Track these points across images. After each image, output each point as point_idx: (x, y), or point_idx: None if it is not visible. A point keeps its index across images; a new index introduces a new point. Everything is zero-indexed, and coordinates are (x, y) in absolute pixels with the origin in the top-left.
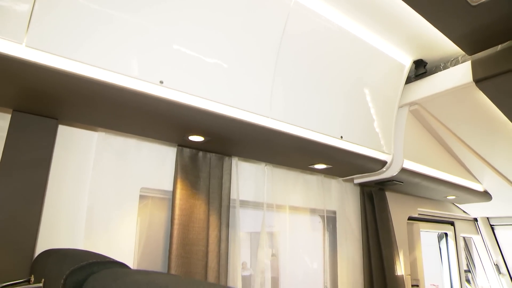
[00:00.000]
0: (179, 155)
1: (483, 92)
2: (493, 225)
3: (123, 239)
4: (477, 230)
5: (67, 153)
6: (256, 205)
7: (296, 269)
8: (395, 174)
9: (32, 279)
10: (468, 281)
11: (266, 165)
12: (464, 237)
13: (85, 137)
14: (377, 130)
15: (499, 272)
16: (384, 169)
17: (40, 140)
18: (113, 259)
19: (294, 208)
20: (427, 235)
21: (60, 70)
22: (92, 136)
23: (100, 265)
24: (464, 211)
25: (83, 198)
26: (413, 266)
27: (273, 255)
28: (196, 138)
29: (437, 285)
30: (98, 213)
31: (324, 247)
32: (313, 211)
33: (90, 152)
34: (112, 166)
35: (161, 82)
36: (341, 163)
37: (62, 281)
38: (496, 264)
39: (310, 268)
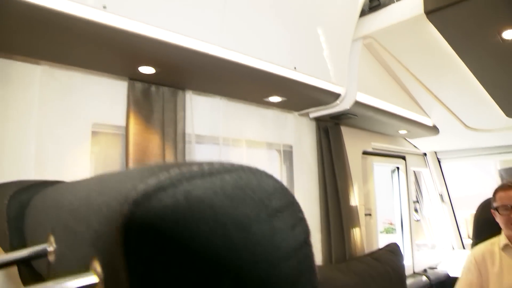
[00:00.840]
0: (130, 89)
1: (433, 24)
2: (440, 158)
3: (77, 178)
4: (426, 164)
5: (7, 88)
6: (212, 140)
7: None
8: (349, 107)
9: None
10: (416, 210)
11: (221, 99)
12: (414, 171)
13: (27, 71)
14: (331, 62)
15: (442, 201)
16: (338, 101)
17: None
18: (62, 181)
19: (250, 142)
20: (381, 169)
21: None
22: (35, 69)
23: (47, 185)
24: (414, 146)
25: (30, 137)
26: (366, 197)
27: None
28: (146, 70)
29: (390, 220)
30: (48, 153)
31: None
32: (269, 145)
33: (33, 87)
34: (59, 102)
35: (104, 7)
36: (295, 95)
37: (6, 201)
38: (440, 194)
39: None
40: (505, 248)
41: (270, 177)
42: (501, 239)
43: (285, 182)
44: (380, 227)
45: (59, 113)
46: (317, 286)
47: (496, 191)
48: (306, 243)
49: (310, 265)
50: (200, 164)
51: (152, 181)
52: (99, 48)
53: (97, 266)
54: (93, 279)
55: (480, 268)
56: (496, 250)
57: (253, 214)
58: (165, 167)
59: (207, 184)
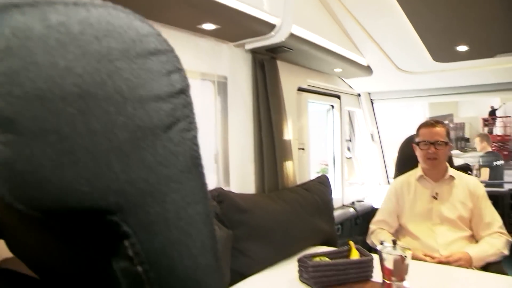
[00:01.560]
0: None
1: None
2: (373, 99)
3: None
4: (360, 104)
5: None
6: None
7: None
8: (284, 39)
9: None
10: (348, 149)
11: (154, 24)
12: (348, 111)
13: None
14: None
15: (373, 140)
16: (273, 33)
17: None
18: None
19: None
20: (317, 108)
21: None
22: None
23: None
24: (349, 86)
25: None
26: (300, 132)
27: None
28: None
29: (326, 162)
30: None
31: (215, 112)
32: (203, 75)
33: None
34: None
35: None
36: (229, 23)
37: None
38: (371, 134)
39: (201, 133)
40: (419, 179)
41: (145, 21)
42: (417, 171)
43: (219, 113)
44: (317, 167)
45: None
46: (196, 135)
47: (419, 127)
48: (184, 94)
49: (188, 115)
50: None
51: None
52: None
53: None
54: None
55: (398, 196)
56: (412, 180)
57: (120, 49)
58: None
59: (71, 13)
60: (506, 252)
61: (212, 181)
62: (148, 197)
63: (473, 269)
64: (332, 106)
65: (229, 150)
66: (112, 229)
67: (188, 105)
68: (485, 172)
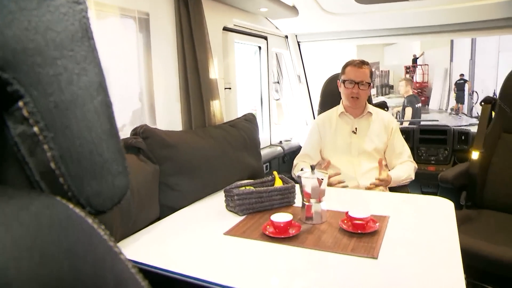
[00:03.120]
0: None
1: None
2: (300, 41)
3: None
4: (287, 46)
5: None
6: None
7: (111, 75)
8: None
9: None
10: (276, 91)
11: None
12: (276, 53)
13: None
14: None
15: (300, 82)
16: None
17: None
18: None
19: (100, 5)
20: (245, 49)
21: None
22: None
23: None
24: (276, 27)
25: None
26: (226, 71)
27: None
28: None
29: (255, 109)
30: None
31: (138, 51)
32: (123, 10)
33: None
34: None
35: None
36: None
37: None
38: (298, 75)
39: (124, 71)
40: (341, 115)
41: None
42: (339, 108)
43: (141, 52)
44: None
45: None
46: (86, 10)
47: (346, 65)
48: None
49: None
50: None
51: None
52: None
53: None
54: None
55: (320, 131)
56: (334, 116)
57: None
58: None
59: None
60: (413, 176)
61: (137, 120)
62: (37, 57)
63: (383, 191)
64: (260, 47)
65: (154, 88)
66: (3, 88)
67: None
68: (409, 112)
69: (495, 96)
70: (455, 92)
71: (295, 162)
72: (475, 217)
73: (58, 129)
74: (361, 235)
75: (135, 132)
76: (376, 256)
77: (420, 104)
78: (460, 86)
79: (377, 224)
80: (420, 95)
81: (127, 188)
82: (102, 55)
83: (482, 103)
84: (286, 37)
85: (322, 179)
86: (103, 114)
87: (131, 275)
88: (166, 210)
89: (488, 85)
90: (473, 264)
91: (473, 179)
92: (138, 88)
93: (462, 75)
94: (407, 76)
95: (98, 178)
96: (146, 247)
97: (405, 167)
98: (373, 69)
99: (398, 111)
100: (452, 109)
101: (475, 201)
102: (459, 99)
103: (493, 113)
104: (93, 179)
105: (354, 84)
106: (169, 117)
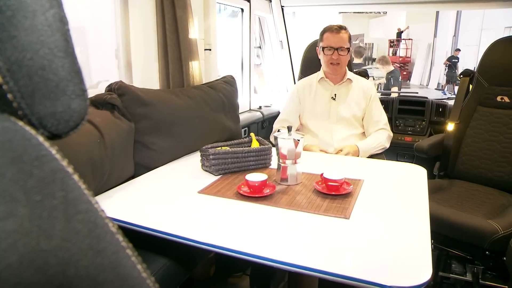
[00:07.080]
0: None
1: None
2: (283, 6)
3: None
4: (270, 10)
5: None
6: None
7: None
8: None
9: None
10: (258, 56)
11: None
12: (259, 17)
13: None
14: None
15: (282, 47)
16: None
17: None
18: None
19: None
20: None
21: None
22: None
23: None
24: None
25: None
26: (207, 32)
27: None
28: None
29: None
30: None
31: (115, 6)
32: None
33: None
34: None
35: None
36: None
37: None
38: (281, 41)
39: (100, 27)
40: (320, 80)
41: None
42: (319, 74)
43: (118, 7)
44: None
45: None
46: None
47: (324, 31)
48: None
49: None
50: None
51: None
52: None
53: None
54: None
55: (300, 96)
56: (314, 82)
57: None
58: None
59: None
60: (387, 145)
61: (113, 77)
62: None
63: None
64: (242, 9)
65: (131, 46)
66: None
67: None
68: (395, 90)
69: (474, 70)
70: (445, 70)
71: (275, 126)
72: (446, 187)
73: (5, 38)
74: (335, 196)
75: (110, 89)
76: (348, 216)
77: (400, 79)
78: (454, 65)
79: (351, 186)
80: (403, 69)
81: (85, 112)
82: (77, 9)
83: (461, 76)
84: (270, 1)
85: (299, 141)
86: (58, 30)
87: (81, 191)
88: (141, 169)
89: (468, 61)
90: (439, 230)
91: (447, 150)
92: (115, 44)
93: (458, 50)
94: (391, 50)
95: (52, 98)
96: (120, 204)
97: (378, 135)
98: (357, 41)
99: (380, 83)
100: (442, 87)
101: (447, 171)
102: (452, 79)
103: (471, 86)
104: (46, 99)
105: (333, 50)
106: (147, 76)
